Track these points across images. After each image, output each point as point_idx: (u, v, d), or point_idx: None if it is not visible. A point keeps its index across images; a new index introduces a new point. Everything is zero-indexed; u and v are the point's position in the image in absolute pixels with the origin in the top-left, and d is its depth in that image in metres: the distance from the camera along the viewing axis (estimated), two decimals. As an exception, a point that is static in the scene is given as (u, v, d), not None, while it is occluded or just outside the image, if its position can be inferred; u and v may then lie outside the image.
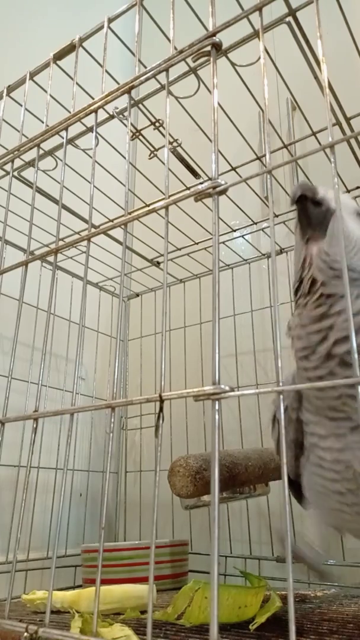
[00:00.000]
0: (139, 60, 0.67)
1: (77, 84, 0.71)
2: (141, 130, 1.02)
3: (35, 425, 0.56)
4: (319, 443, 0.60)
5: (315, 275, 0.56)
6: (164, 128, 0.98)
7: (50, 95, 0.76)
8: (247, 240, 1.38)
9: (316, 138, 0.97)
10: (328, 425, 0.58)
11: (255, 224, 1.24)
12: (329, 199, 0.59)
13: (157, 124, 0.99)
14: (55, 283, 0.63)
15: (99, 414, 1.42)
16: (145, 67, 0.60)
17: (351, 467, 0.56)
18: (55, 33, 1.09)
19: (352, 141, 0.92)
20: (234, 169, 1.05)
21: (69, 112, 0.67)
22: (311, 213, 0.58)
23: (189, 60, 0.57)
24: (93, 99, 0.65)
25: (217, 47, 0.53)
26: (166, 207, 0.52)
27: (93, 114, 0.65)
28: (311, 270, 0.57)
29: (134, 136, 1.02)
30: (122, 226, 0.56)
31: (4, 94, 0.81)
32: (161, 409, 0.45)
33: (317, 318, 0.55)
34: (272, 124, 0.95)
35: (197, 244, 1.28)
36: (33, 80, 0.78)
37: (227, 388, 0.43)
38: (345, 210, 0.60)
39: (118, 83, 0.64)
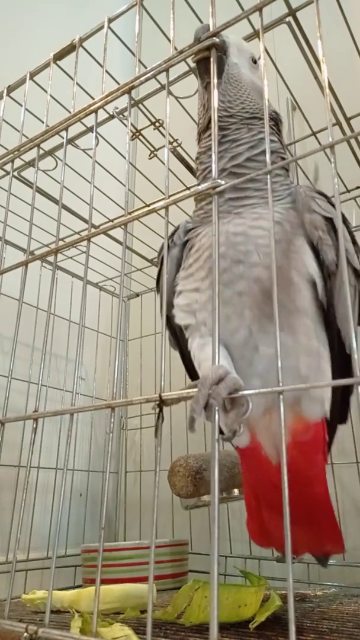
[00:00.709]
0: (139, 61, 0.67)
1: (77, 84, 0.71)
2: (141, 130, 1.02)
3: (35, 425, 0.56)
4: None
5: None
6: (164, 128, 0.98)
7: (50, 95, 0.76)
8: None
9: (316, 138, 0.97)
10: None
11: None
12: (228, 43, 0.69)
13: (157, 124, 0.99)
14: (55, 283, 0.63)
15: (99, 414, 1.42)
16: (146, 67, 0.60)
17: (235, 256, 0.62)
18: (55, 33, 1.08)
19: (352, 141, 0.92)
20: (234, 169, 1.05)
21: (69, 112, 0.68)
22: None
23: (189, 60, 0.57)
24: (93, 99, 0.66)
25: (217, 47, 0.53)
26: (166, 207, 0.53)
27: (93, 114, 0.65)
28: (209, 111, 0.67)
29: (134, 136, 1.02)
30: (122, 226, 0.56)
31: (4, 94, 0.81)
32: (161, 409, 0.45)
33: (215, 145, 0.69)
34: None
35: (197, 244, 1.28)
36: (33, 80, 0.78)
37: (227, 388, 0.43)
38: (242, 55, 0.71)
39: (118, 83, 0.64)
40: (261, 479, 0.69)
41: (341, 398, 0.69)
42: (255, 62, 0.72)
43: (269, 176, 0.46)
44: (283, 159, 0.71)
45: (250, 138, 0.68)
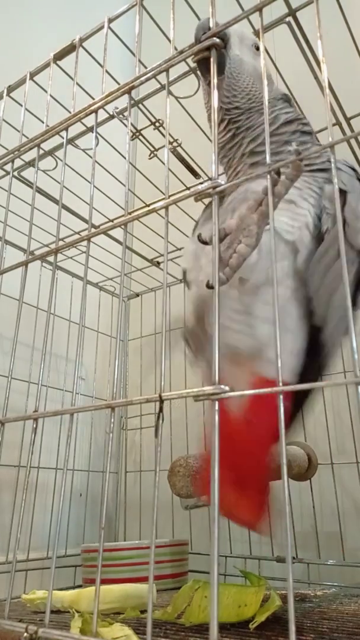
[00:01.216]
0: (139, 61, 0.67)
1: (77, 84, 0.71)
2: (141, 130, 1.02)
3: (35, 425, 0.56)
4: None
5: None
6: (164, 128, 0.98)
7: (50, 95, 0.76)
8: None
9: (316, 138, 0.97)
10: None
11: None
12: (229, 33, 0.71)
13: (157, 124, 0.99)
14: (55, 283, 0.63)
15: (99, 414, 1.42)
16: (146, 67, 0.60)
17: None
18: (55, 33, 1.08)
19: (352, 141, 0.92)
20: (234, 169, 1.05)
21: (69, 112, 0.67)
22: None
23: (189, 60, 0.57)
24: (93, 99, 0.65)
25: (217, 47, 0.53)
26: (166, 207, 0.52)
27: (93, 114, 0.65)
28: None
29: (134, 136, 1.02)
30: (122, 226, 0.56)
31: (4, 94, 0.81)
32: (161, 409, 0.45)
33: (229, 139, 0.74)
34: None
35: (197, 243, 1.28)
36: (33, 80, 0.78)
37: (227, 388, 0.43)
38: (243, 43, 0.73)
39: (118, 83, 0.64)
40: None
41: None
42: (257, 48, 0.74)
43: (269, 176, 0.46)
44: (304, 124, 0.75)
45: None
